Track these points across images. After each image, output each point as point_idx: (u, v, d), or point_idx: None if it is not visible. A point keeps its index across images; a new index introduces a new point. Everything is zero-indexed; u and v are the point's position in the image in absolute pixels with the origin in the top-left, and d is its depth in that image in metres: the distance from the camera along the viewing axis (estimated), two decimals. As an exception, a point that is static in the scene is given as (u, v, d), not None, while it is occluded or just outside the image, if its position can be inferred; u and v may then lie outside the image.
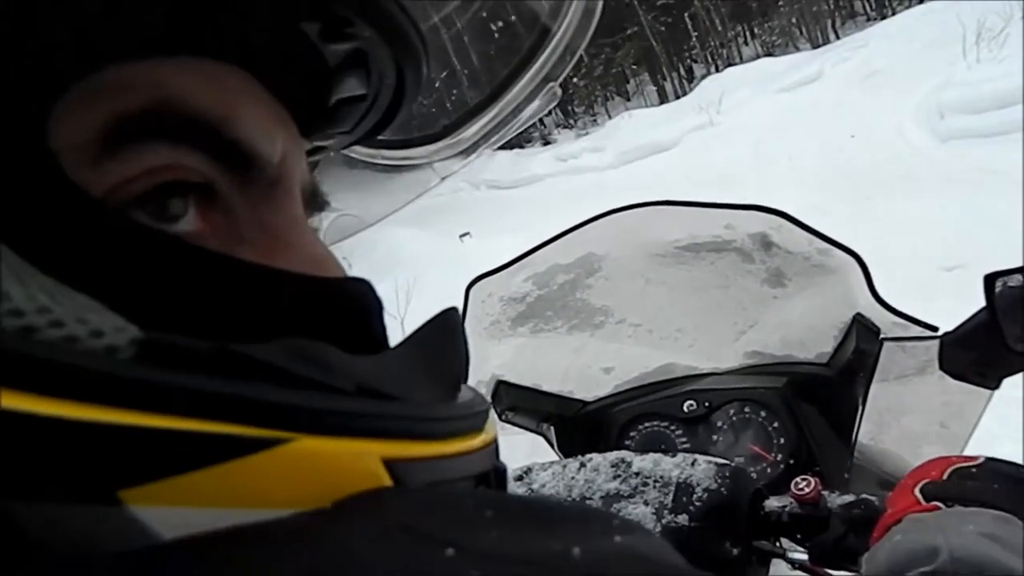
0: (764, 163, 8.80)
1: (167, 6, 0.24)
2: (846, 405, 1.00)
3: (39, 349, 0.17)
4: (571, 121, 21.12)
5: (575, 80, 20.46)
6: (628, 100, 21.74)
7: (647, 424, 1.08)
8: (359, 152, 0.41)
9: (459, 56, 0.39)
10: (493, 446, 0.29)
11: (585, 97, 21.04)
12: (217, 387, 0.19)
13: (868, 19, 17.77)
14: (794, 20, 18.66)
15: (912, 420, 1.04)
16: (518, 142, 20.05)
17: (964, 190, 5.58)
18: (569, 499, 0.77)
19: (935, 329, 0.88)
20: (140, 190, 0.23)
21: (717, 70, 17.00)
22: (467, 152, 0.42)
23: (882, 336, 0.93)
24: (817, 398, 1.04)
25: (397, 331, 0.27)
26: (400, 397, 0.24)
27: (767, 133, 9.86)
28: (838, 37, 16.58)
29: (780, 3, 17.89)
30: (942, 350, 0.86)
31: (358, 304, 0.27)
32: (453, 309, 0.31)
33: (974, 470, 0.57)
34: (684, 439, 1.06)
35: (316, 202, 0.34)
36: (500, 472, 0.29)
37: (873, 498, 0.66)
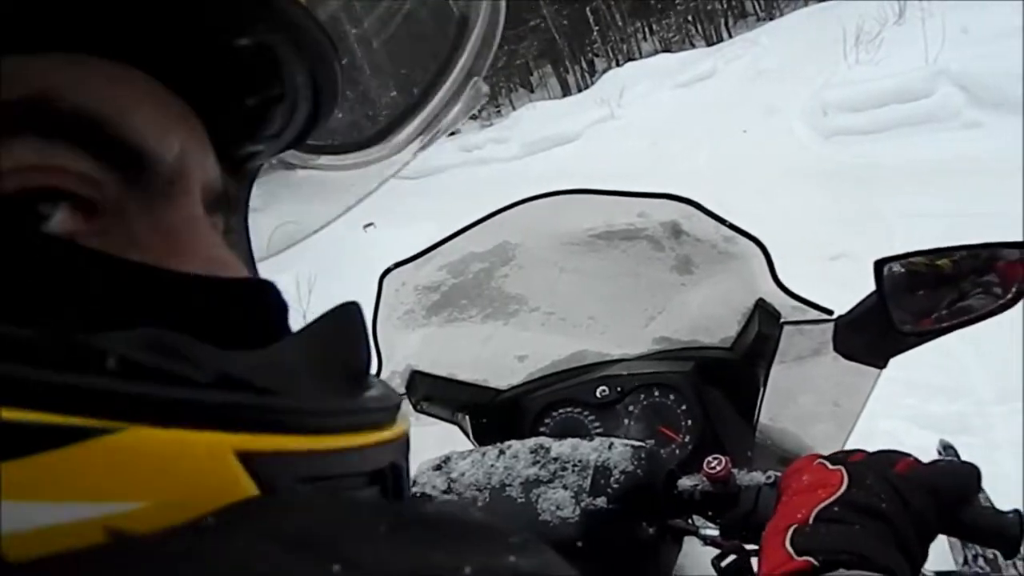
0: (663, 156, 9.04)
1: (55, 2, 0.23)
2: (749, 387, 1.05)
3: None
4: (476, 112, 21.13)
5: (478, 71, 20.45)
6: (532, 92, 21.92)
7: (561, 410, 1.10)
8: (296, 158, 0.40)
9: (380, 59, 0.39)
10: (399, 442, 0.28)
11: (489, 88, 21.09)
12: (25, 374, 0.18)
13: (758, 19, 18.49)
14: (690, 18, 19.26)
15: (808, 399, 1.10)
16: (421, 132, 19.83)
17: (846, 184, 5.90)
18: (488, 487, 0.77)
19: (830, 313, 0.93)
20: (10, 189, 0.22)
21: (618, 64, 17.31)
22: (401, 155, 0.42)
23: (782, 320, 0.98)
24: (722, 381, 1.09)
25: (300, 324, 0.26)
26: (276, 390, 0.23)
27: (665, 127, 10.13)
28: (730, 36, 17.19)
29: (677, 1, 18.42)
30: (836, 332, 0.91)
31: (248, 304, 0.26)
32: (352, 302, 0.30)
33: (836, 508, 0.58)
34: (597, 424, 1.08)
35: (227, 204, 0.33)
36: (397, 469, 0.28)
37: (780, 474, 0.70)
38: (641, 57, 17.22)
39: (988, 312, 0.80)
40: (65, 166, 0.24)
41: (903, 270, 0.85)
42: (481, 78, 0.42)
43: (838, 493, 0.60)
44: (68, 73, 0.24)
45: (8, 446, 0.17)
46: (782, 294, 0.96)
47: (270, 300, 0.27)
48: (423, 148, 0.43)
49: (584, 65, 21.62)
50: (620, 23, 20.35)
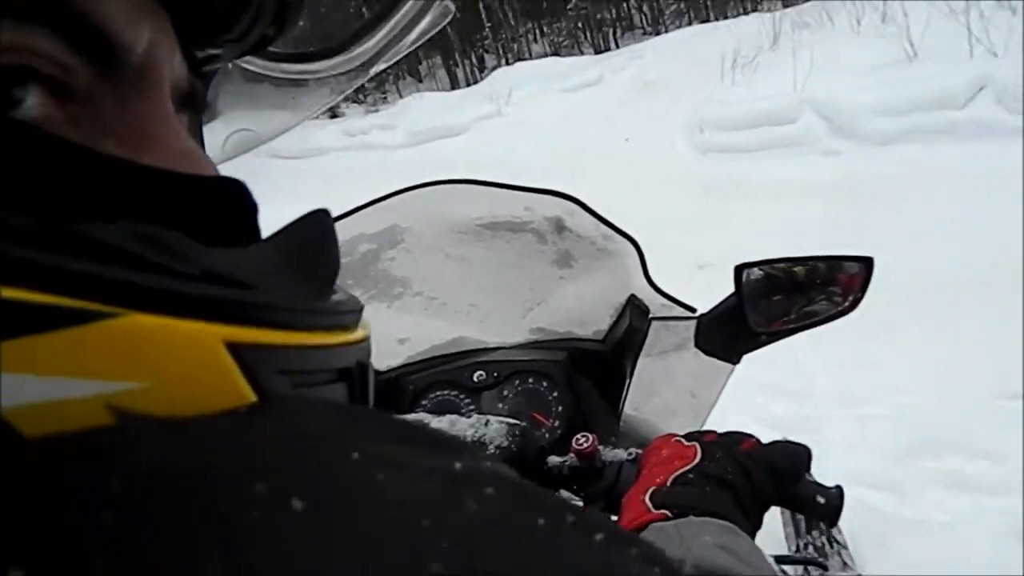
0: (547, 156, 9.21)
1: None
2: (617, 377, 1.12)
3: None
4: (361, 96, 20.71)
5: (368, 55, 20.09)
6: (420, 81, 21.76)
7: (438, 393, 1.13)
8: (256, 64, 0.40)
9: None
10: (364, 344, 0.30)
11: (376, 74, 20.77)
12: (38, 258, 0.19)
13: (644, 32, 19.15)
14: (580, 25, 19.71)
15: (668, 391, 1.18)
16: (304, 112, 19.26)
17: (718, 198, 6.24)
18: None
19: (694, 311, 1.01)
20: None
21: (507, 63, 17.50)
22: (363, 68, 0.42)
23: (651, 315, 1.05)
24: (592, 371, 1.15)
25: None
26: (258, 287, 0.24)
27: (551, 128, 10.32)
28: (618, 46, 17.72)
29: (568, 6, 18.79)
30: (698, 329, 0.99)
31: (221, 201, 0.27)
32: (323, 209, 0.31)
33: (691, 475, 0.66)
34: (472, 407, 1.12)
35: (195, 102, 0.33)
36: (363, 367, 0.30)
37: (641, 451, 0.76)
38: (531, 58, 17.46)
39: (829, 317, 0.89)
40: (37, 47, 0.24)
41: (760, 275, 0.94)
42: None
43: (692, 464, 0.67)
44: None
45: (12, 324, 0.18)
46: (652, 292, 1.03)
47: (244, 198, 0.28)
48: (388, 64, 0.43)
49: (474, 60, 21.69)
50: (512, 22, 20.55)
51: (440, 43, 20.98)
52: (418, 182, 1.05)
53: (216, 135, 0.41)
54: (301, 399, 0.25)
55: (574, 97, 11.69)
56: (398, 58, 0.44)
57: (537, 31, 21.54)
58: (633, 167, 7.91)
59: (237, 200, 0.28)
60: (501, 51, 20.79)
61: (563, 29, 19.97)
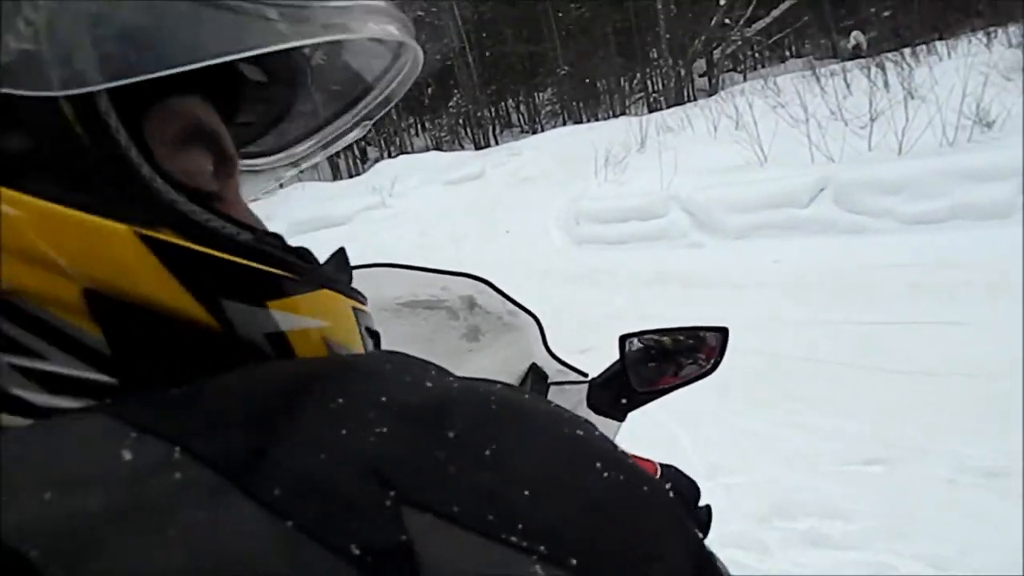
0: (430, 246, 9.43)
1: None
2: (519, 438, 1.26)
3: (224, 239, 0.34)
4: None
5: (247, 143, 19.95)
6: (301, 171, 21.72)
7: None
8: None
9: (304, 99, 0.51)
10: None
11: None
12: (291, 259, 0.36)
13: (522, 130, 20.11)
14: (461, 121, 20.48)
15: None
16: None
17: (594, 286, 6.59)
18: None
19: (586, 375, 1.17)
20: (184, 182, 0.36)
21: (390, 155, 17.87)
22: (298, 163, 0.57)
23: (549, 381, 1.20)
24: None
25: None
26: (345, 282, 0.41)
27: (435, 219, 10.58)
28: (497, 142, 18.50)
29: (450, 104, 19.53)
30: (589, 391, 1.15)
31: (285, 244, 0.41)
32: (342, 248, 0.48)
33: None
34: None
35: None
36: (374, 331, 0.46)
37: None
38: (413, 151, 17.89)
39: (696, 378, 1.08)
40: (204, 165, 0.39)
41: (639, 344, 1.12)
42: (372, 121, 0.55)
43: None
44: (201, 108, 0.38)
45: (279, 290, 0.35)
46: (551, 359, 1.18)
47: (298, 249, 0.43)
48: (323, 157, 0.59)
49: (356, 152, 21.97)
50: (395, 116, 21.06)
51: (322, 134, 21.16)
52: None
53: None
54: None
55: (456, 190, 12.04)
56: (326, 156, 0.58)
57: (419, 126, 22.16)
58: (513, 256, 8.22)
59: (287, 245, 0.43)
60: (383, 144, 21.21)
61: (444, 125, 20.67)
